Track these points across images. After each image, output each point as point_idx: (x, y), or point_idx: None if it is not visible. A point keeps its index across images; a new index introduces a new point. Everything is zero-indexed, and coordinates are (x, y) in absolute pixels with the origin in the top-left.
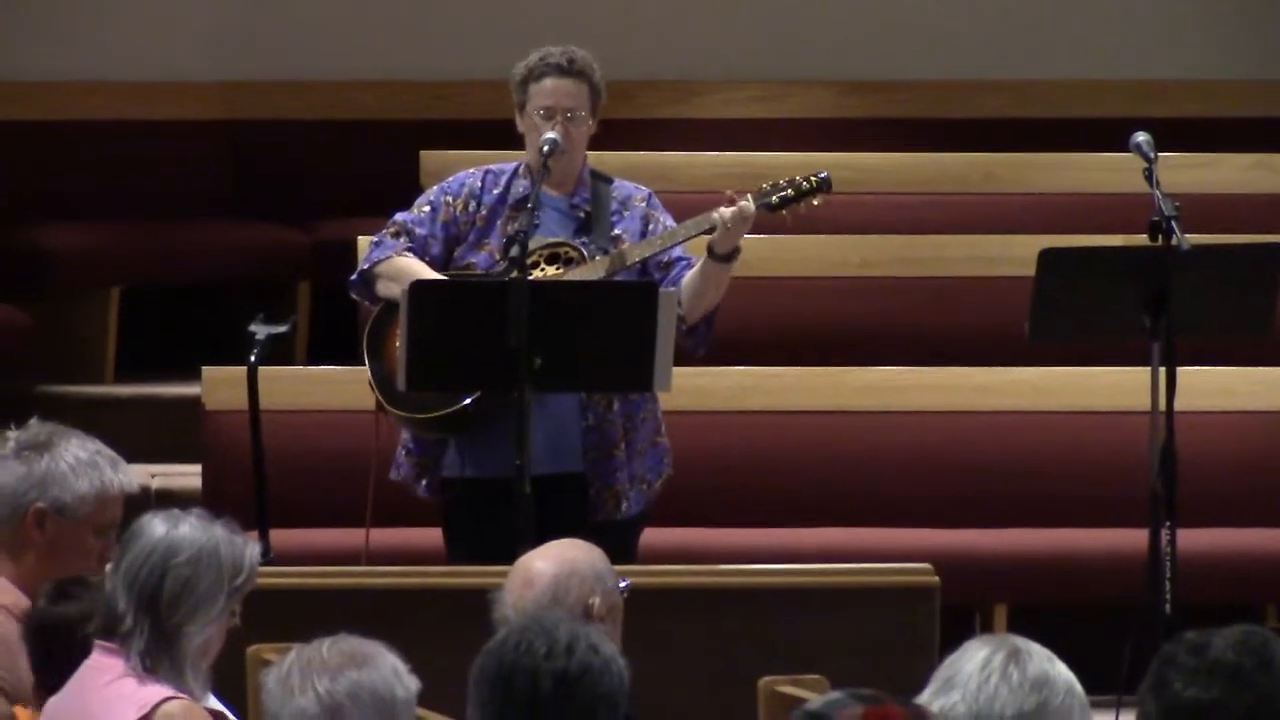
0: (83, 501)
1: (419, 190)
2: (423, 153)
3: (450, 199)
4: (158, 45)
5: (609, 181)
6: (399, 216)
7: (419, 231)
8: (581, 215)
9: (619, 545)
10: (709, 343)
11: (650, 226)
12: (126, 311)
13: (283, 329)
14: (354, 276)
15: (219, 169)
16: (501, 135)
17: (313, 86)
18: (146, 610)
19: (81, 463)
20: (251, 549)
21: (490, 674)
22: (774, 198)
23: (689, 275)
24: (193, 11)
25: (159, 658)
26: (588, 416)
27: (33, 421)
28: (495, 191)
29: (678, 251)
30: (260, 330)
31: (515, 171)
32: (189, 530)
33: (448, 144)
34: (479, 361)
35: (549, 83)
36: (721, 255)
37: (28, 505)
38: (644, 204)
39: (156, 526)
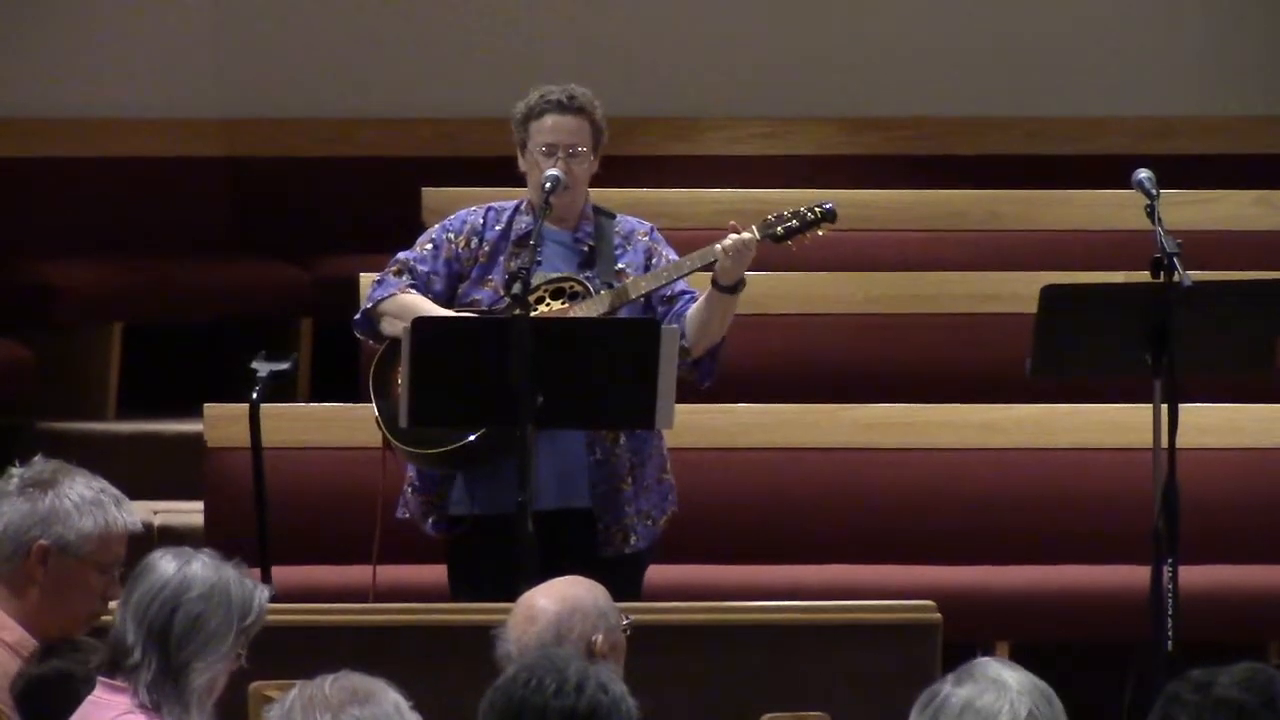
0: (86, 540)
1: (421, 227)
2: (425, 190)
3: (453, 236)
4: (161, 82)
5: (611, 216)
6: (401, 255)
7: (422, 269)
8: (585, 249)
9: (625, 581)
10: (715, 375)
11: (653, 260)
12: (129, 348)
13: (284, 366)
14: (358, 315)
15: (221, 206)
16: (503, 172)
17: (315, 124)
18: (156, 644)
19: (86, 501)
20: (261, 591)
21: (499, 710)
22: (778, 229)
23: (694, 308)
24: (195, 49)
25: (165, 693)
26: (595, 452)
27: (37, 458)
28: (497, 228)
29: (681, 285)
30: (262, 367)
31: (517, 208)
32: (200, 568)
33: (450, 181)
34: (481, 398)
35: (550, 120)
36: (726, 286)
37: (31, 542)
38: (647, 238)
39: (168, 563)
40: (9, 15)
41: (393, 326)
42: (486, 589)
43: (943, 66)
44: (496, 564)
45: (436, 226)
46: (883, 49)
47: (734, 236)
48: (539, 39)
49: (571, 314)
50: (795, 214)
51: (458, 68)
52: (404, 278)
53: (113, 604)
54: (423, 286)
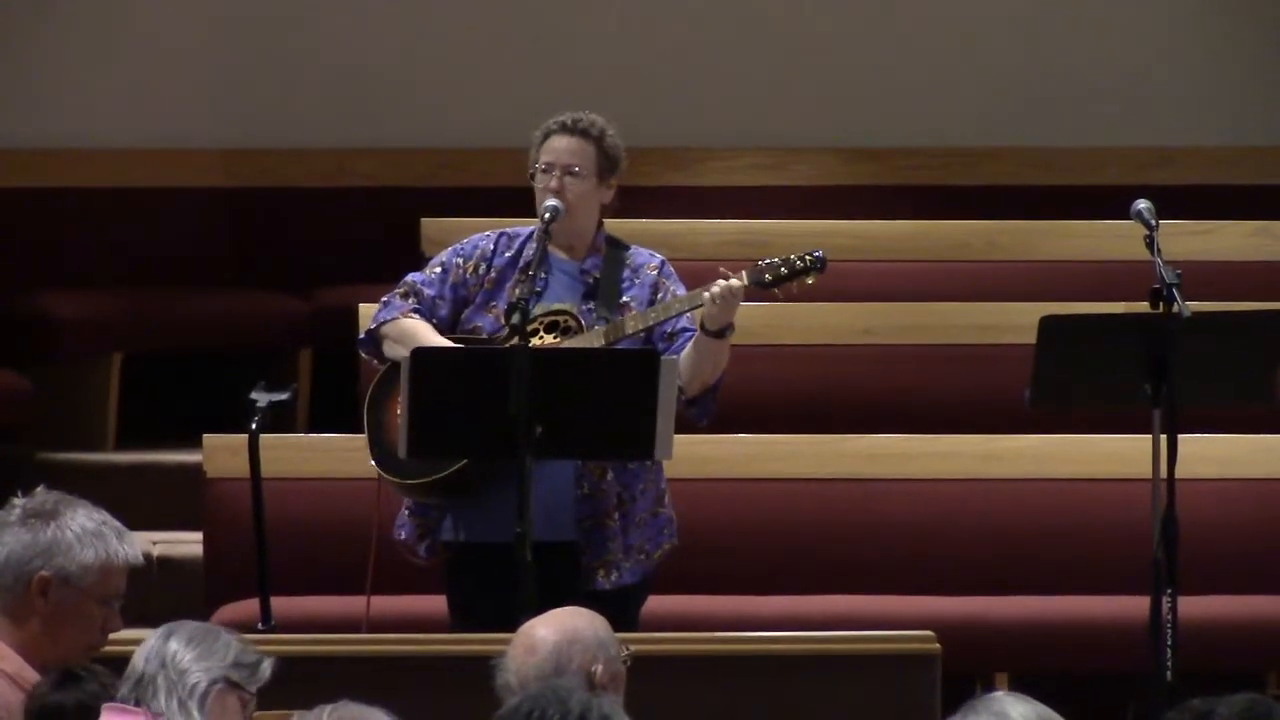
0: (87, 571)
1: (420, 257)
2: (423, 220)
3: (462, 260)
4: (159, 113)
5: (625, 248)
6: (410, 276)
7: (428, 293)
8: (590, 281)
9: (620, 614)
10: (712, 415)
11: (659, 295)
12: (128, 378)
13: (283, 396)
14: (362, 336)
15: (220, 236)
16: (502, 202)
17: (314, 154)
18: (158, 661)
19: (88, 532)
20: (266, 662)
21: None
22: (767, 275)
23: (687, 349)
24: (194, 79)
25: (168, 696)
26: (583, 485)
27: (40, 489)
28: (508, 254)
29: (683, 322)
30: (261, 397)
31: (530, 235)
32: (189, 632)
33: (449, 212)
34: (480, 429)
35: (554, 140)
36: (713, 331)
37: (32, 573)
38: (655, 272)
39: (170, 627)
40: (6, 46)
41: (393, 350)
42: (481, 618)
43: (942, 97)
44: (489, 593)
45: (448, 250)
46: (882, 80)
47: (721, 283)
48: (538, 69)
49: (568, 346)
50: (785, 262)
51: (457, 99)
52: (409, 300)
53: (117, 634)
54: (427, 310)
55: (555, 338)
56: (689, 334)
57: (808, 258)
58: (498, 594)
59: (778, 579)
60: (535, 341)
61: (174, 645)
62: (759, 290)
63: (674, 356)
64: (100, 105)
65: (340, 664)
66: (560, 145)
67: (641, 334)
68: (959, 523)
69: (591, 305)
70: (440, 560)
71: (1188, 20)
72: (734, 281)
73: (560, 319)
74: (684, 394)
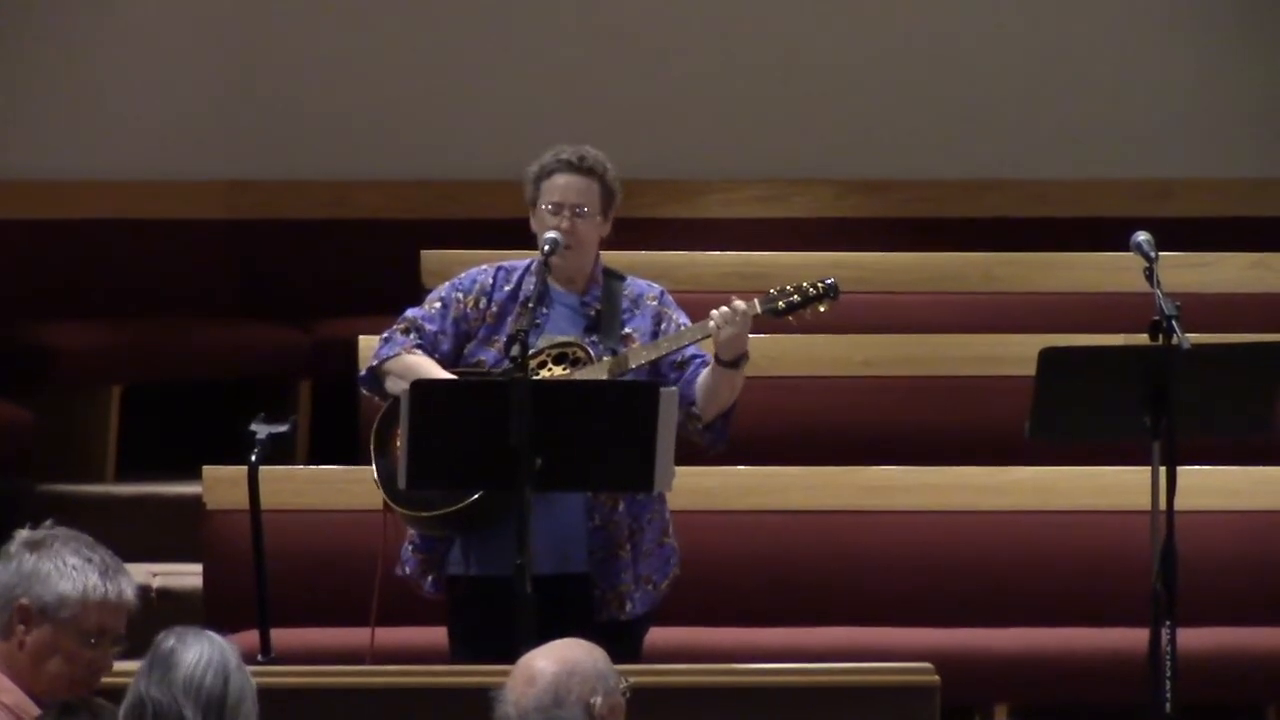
0: (63, 603)
1: (420, 290)
2: (424, 252)
3: (461, 295)
4: (161, 145)
5: (622, 279)
6: (410, 312)
7: (429, 328)
8: (592, 313)
9: (624, 645)
10: (726, 440)
11: (662, 325)
12: (127, 410)
13: (283, 428)
14: (364, 373)
15: (221, 268)
16: (502, 235)
17: (314, 186)
18: (215, 713)
19: (68, 564)
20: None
21: None
22: (780, 303)
23: (703, 375)
24: (195, 111)
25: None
26: (594, 517)
27: (48, 523)
28: (507, 288)
29: (693, 350)
30: (261, 429)
31: (528, 268)
32: (223, 642)
33: (448, 244)
34: (480, 461)
35: (560, 179)
36: (727, 361)
37: (13, 600)
38: (655, 302)
39: (195, 639)
40: (10, 78)
41: (396, 386)
42: (486, 651)
43: (941, 130)
44: (496, 626)
45: (447, 285)
46: (881, 112)
47: (724, 308)
48: (537, 102)
49: (569, 378)
50: (797, 289)
51: (456, 131)
52: (411, 336)
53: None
54: (429, 346)
55: (565, 369)
56: (699, 360)
57: (820, 285)
58: (504, 627)
59: (777, 610)
60: (544, 373)
61: (234, 689)
62: (772, 318)
63: (673, 389)
64: (101, 137)
65: (341, 696)
66: (567, 184)
67: (647, 365)
68: (958, 554)
69: (595, 337)
70: (448, 596)
71: (1186, 53)
72: (738, 303)
73: (569, 350)
74: (700, 421)
